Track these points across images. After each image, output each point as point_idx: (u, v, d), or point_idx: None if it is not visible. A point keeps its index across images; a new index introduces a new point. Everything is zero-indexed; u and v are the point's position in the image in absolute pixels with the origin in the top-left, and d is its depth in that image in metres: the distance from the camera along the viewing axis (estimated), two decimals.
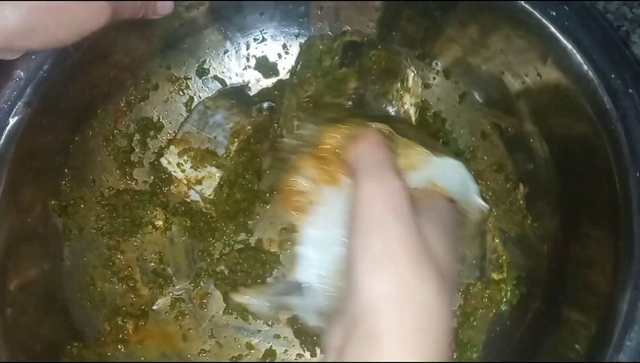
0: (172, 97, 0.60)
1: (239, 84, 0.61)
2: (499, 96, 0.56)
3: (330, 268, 0.38)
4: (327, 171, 0.40)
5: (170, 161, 0.57)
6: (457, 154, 0.57)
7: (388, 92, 0.57)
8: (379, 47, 0.57)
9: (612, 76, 0.45)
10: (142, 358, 0.55)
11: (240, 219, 0.57)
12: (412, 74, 0.58)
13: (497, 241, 0.57)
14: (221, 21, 0.59)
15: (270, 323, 0.56)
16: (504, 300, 0.55)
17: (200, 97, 0.61)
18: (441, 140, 0.59)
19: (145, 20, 0.47)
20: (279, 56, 0.62)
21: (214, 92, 0.61)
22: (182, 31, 0.57)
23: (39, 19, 0.38)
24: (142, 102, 0.59)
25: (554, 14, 0.46)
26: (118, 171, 0.59)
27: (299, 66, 0.58)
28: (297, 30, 0.61)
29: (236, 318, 0.57)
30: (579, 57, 0.46)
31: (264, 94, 0.61)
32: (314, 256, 0.39)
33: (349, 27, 0.59)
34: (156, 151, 0.59)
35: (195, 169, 0.57)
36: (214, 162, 0.57)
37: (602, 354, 0.41)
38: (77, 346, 0.52)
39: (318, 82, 0.55)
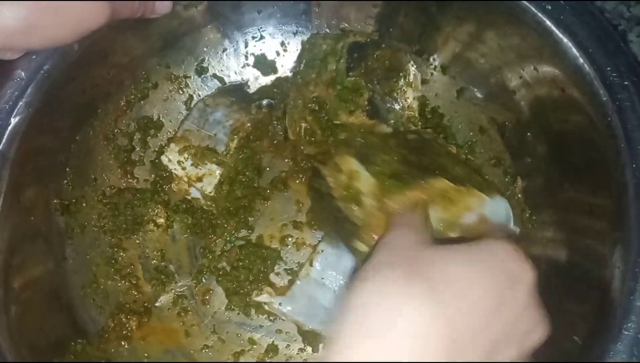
0: (171, 95, 0.61)
1: (238, 82, 0.62)
2: (496, 90, 0.57)
3: None
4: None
5: (171, 158, 0.58)
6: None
7: (393, 91, 0.57)
8: (383, 46, 0.57)
9: (608, 68, 0.45)
10: (146, 355, 0.56)
11: (240, 215, 0.58)
12: (413, 69, 0.58)
13: None
14: (219, 19, 0.59)
15: (272, 318, 0.57)
16: None
17: (199, 96, 0.61)
18: (441, 134, 0.59)
19: (144, 19, 0.47)
20: (278, 53, 0.62)
21: (214, 90, 0.61)
22: (180, 30, 0.58)
23: (38, 18, 0.38)
24: (142, 101, 0.59)
25: (550, 7, 0.47)
26: (119, 170, 0.59)
27: (302, 65, 0.58)
28: (295, 28, 0.61)
29: (238, 314, 0.57)
30: (574, 51, 0.46)
31: (263, 91, 0.61)
32: None
33: (346, 24, 0.60)
34: (157, 149, 0.60)
35: (196, 167, 0.58)
36: (214, 159, 0.58)
37: (600, 344, 0.41)
38: (81, 342, 0.53)
39: (328, 93, 0.56)
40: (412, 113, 0.58)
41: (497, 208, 0.49)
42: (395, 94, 0.57)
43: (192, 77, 0.61)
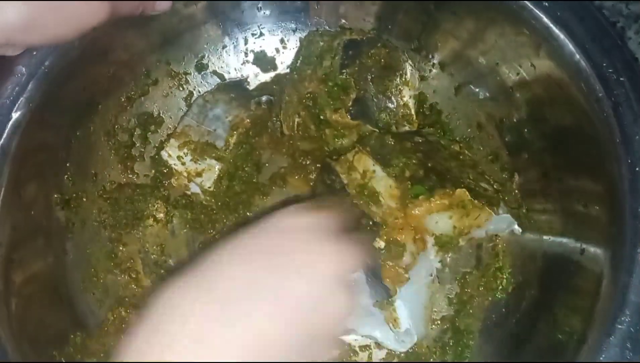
0: (171, 92, 0.61)
1: (237, 79, 0.62)
2: (494, 87, 0.57)
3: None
4: (420, 239, 0.50)
5: (171, 154, 0.58)
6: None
7: (388, 89, 0.58)
8: (379, 44, 0.57)
9: (604, 64, 0.45)
10: None
11: (240, 211, 0.58)
12: (410, 67, 0.58)
13: None
14: (219, 17, 0.59)
15: None
16: (500, 287, 0.55)
17: (199, 92, 0.61)
18: (438, 130, 0.59)
19: (144, 16, 0.47)
20: (277, 50, 0.62)
21: (213, 86, 0.61)
22: (180, 27, 0.58)
23: (39, 16, 0.38)
24: (142, 98, 0.60)
25: (547, 5, 0.47)
26: (119, 165, 0.59)
27: (299, 61, 0.59)
28: (294, 25, 0.62)
29: None
30: (571, 47, 0.46)
31: (263, 88, 0.62)
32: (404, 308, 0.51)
33: (345, 22, 0.60)
34: (157, 145, 0.60)
35: (195, 162, 0.58)
36: (214, 155, 0.58)
37: (594, 337, 0.41)
38: (81, 336, 0.53)
39: (320, 89, 0.56)
40: (408, 111, 0.58)
41: (501, 222, 0.54)
42: (389, 93, 0.58)
43: (192, 74, 0.61)
